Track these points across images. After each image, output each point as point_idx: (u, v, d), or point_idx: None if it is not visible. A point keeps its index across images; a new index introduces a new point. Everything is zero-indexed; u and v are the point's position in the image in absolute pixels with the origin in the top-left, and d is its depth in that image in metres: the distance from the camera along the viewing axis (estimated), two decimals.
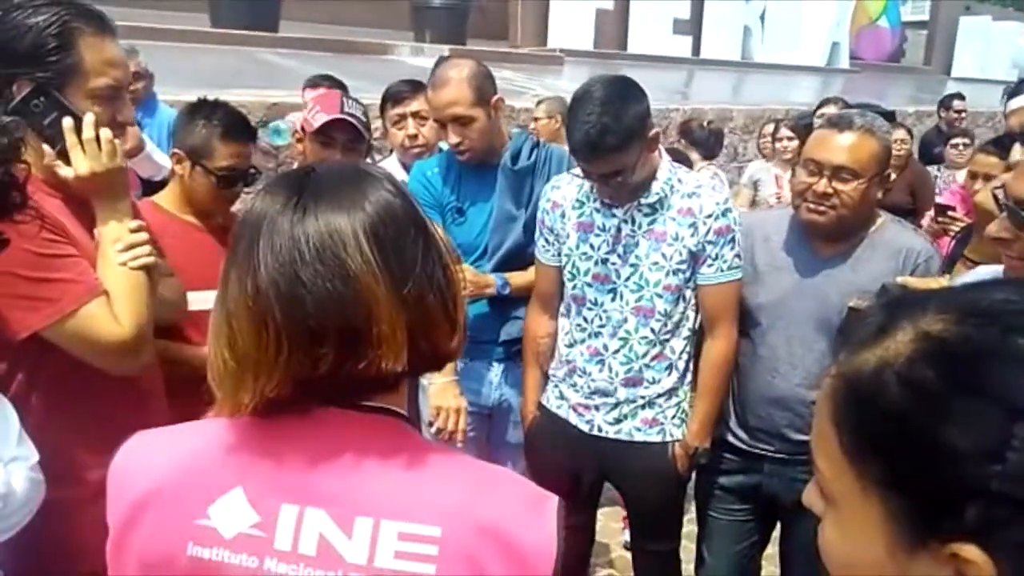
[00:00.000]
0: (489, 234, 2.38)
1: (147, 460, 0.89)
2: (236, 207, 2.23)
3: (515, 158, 2.36)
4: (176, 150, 2.13)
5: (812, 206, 2.01)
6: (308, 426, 0.86)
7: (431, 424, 2.32)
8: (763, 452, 2.18)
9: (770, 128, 5.75)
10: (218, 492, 0.84)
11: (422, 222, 0.89)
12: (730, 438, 2.22)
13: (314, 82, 3.68)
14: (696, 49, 11.16)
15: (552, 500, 0.86)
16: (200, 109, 2.14)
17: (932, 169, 5.53)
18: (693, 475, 2.29)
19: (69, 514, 1.49)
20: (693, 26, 11.08)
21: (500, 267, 2.37)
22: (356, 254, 0.82)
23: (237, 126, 2.12)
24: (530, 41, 9.90)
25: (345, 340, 0.82)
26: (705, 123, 5.28)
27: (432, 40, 8.35)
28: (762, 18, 11.78)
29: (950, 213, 3.37)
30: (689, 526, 2.42)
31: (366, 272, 0.82)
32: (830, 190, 1.98)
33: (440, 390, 2.31)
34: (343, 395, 0.86)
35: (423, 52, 7.83)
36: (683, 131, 5.20)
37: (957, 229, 3.08)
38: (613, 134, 1.91)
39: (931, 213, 3.73)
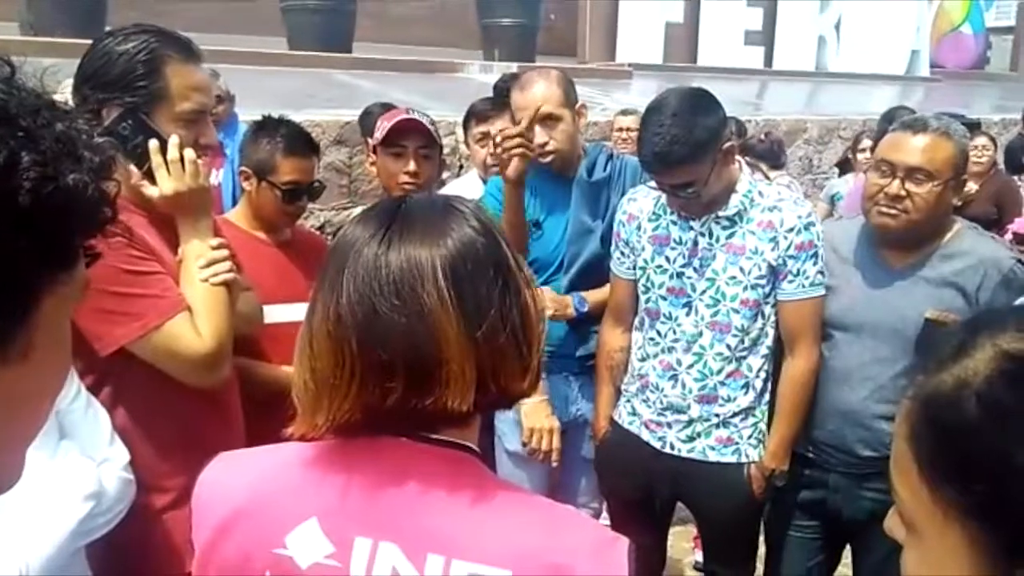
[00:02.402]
0: (565, 247, 2.37)
1: (229, 483, 0.91)
2: (301, 221, 2.29)
3: (590, 170, 2.36)
4: (243, 167, 2.19)
5: (884, 209, 1.94)
6: (382, 458, 0.87)
7: (524, 444, 2.33)
8: (828, 466, 2.12)
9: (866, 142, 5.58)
10: (294, 522, 0.85)
11: (504, 260, 0.88)
12: (797, 448, 2.16)
13: (367, 111, 3.70)
14: (768, 60, 10.96)
15: (622, 542, 0.86)
16: (264, 127, 2.20)
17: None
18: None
19: (149, 520, 1.54)
20: (765, 37, 10.88)
21: (577, 280, 2.36)
22: (432, 290, 0.83)
23: (299, 142, 2.17)
24: (599, 56, 9.88)
25: (414, 375, 0.83)
26: (763, 136, 5.17)
27: (501, 58, 8.41)
28: (837, 27, 11.49)
29: None
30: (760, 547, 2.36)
31: (439, 310, 0.82)
32: (903, 192, 1.91)
33: (532, 411, 2.31)
34: (412, 427, 0.87)
35: (492, 70, 7.89)
36: (743, 149, 5.11)
37: None
38: (682, 145, 1.89)
39: (1008, 237, 3.58)
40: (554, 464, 2.34)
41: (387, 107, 3.78)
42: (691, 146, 1.90)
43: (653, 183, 2.11)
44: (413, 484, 0.85)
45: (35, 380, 0.56)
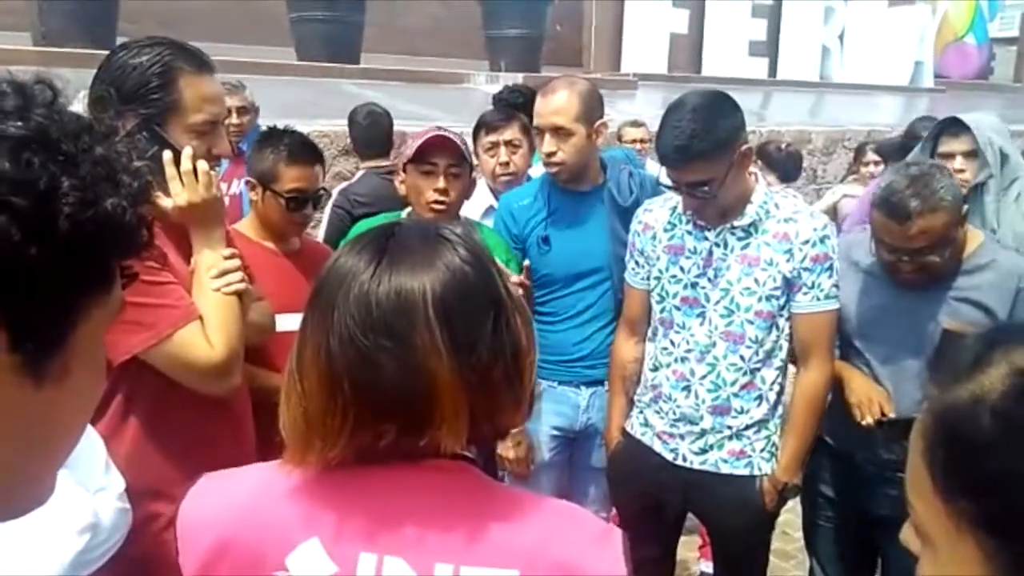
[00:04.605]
0: (581, 263, 2.38)
1: (216, 508, 0.89)
2: (308, 231, 2.30)
3: (620, 195, 2.38)
4: (249, 178, 2.21)
5: (908, 276, 1.99)
6: (378, 474, 0.86)
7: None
8: (854, 462, 2.15)
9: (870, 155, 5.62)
10: (294, 542, 0.84)
11: (496, 291, 0.88)
12: (826, 438, 2.20)
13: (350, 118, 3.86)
14: (772, 71, 10.97)
15: (616, 532, 0.88)
16: (269, 137, 2.22)
17: None
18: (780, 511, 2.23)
19: (160, 529, 1.54)
20: (769, 48, 10.90)
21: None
22: (424, 332, 0.82)
23: (302, 150, 2.18)
24: (604, 66, 9.89)
25: (407, 418, 0.83)
26: (783, 146, 5.18)
27: (507, 68, 8.42)
28: (841, 38, 11.50)
29: None
30: (797, 571, 2.35)
31: (432, 352, 0.82)
32: (918, 265, 1.96)
33: (504, 445, 2.32)
34: (405, 459, 0.86)
35: (498, 80, 7.91)
36: (760, 153, 5.13)
37: None
38: (701, 139, 1.89)
39: None
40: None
41: (372, 114, 3.89)
42: (710, 141, 1.90)
43: (669, 195, 2.12)
44: (414, 497, 0.85)
45: (69, 404, 0.56)
